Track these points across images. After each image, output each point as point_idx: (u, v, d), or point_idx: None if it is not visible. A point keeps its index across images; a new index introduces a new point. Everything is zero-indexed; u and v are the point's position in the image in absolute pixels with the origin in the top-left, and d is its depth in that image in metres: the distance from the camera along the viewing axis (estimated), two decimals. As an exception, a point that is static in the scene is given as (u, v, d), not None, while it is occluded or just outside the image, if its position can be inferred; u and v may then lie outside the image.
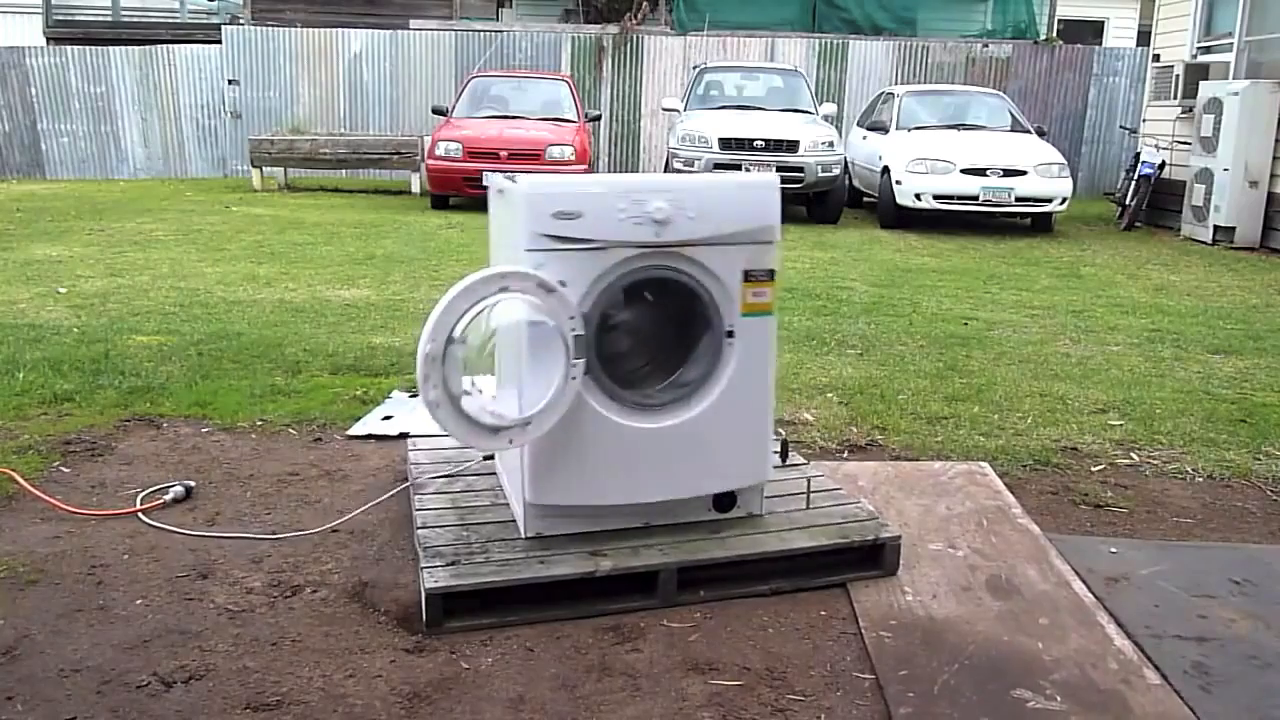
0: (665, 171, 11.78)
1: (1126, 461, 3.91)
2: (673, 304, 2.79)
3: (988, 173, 10.74)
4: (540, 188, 2.68)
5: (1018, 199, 10.81)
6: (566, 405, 2.60)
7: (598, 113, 14.33)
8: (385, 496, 3.28)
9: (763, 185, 2.82)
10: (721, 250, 2.73)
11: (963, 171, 10.77)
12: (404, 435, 3.81)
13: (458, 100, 12.85)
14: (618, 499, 2.79)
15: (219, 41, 15.68)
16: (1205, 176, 10.49)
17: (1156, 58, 12.53)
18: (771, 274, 2.80)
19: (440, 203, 11.96)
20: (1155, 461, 3.91)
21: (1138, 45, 17.50)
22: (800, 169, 11.05)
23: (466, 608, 2.56)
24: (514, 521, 2.84)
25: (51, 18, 17.40)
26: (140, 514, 3.17)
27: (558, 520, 2.78)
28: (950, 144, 11.16)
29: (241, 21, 16.80)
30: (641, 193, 2.68)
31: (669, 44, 15.93)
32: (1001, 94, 13.24)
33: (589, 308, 2.64)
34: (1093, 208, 13.41)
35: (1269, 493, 3.65)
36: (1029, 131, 11.87)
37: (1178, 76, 11.46)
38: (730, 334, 2.78)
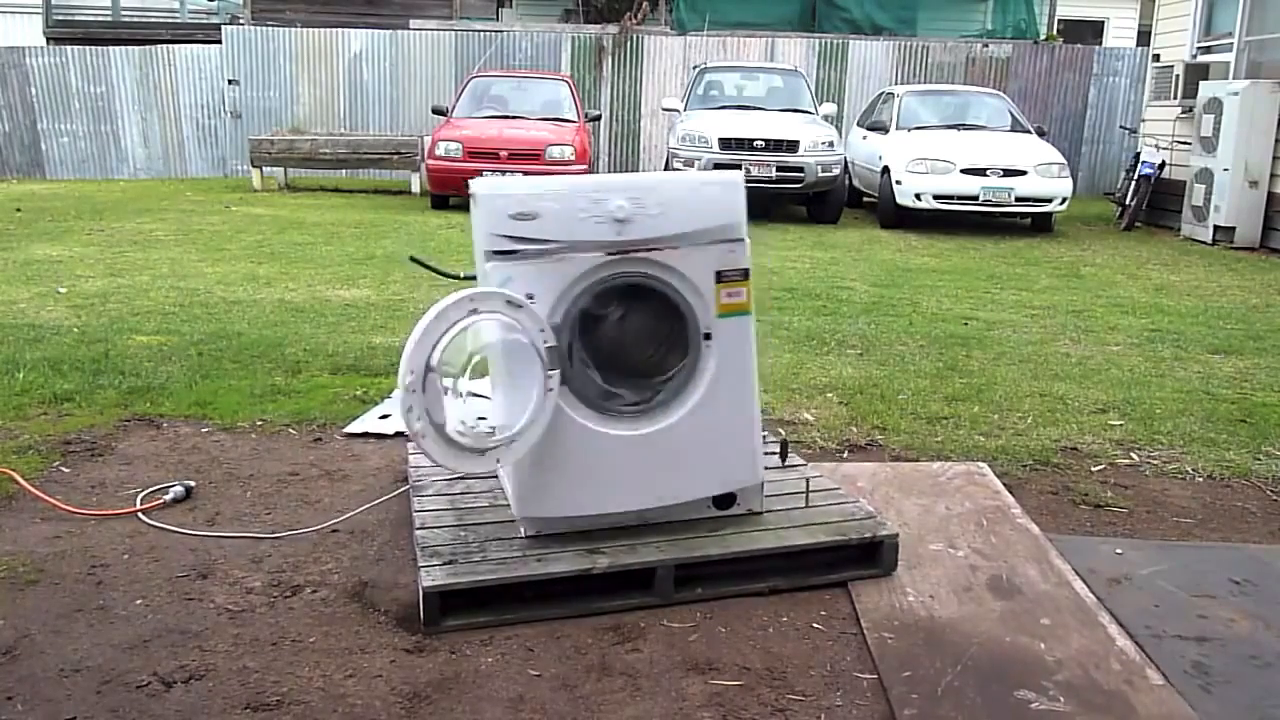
0: (666, 171, 11.78)
1: (1126, 461, 3.91)
2: (646, 310, 2.78)
3: (988, 173, 10.74)
4: (497, 189, 2.70)
5: (1018, 199, 10.81)
6: (548, 418, 2.61)
7: (598, 113, 14.32)
8: (385, 497, 3.28)
9: (726, 182, 2.81)
10: (690, 252, 2.72)
11: (963, 171, 10.76)
12: (400, 434, 3.80)
13: (458, 100, 12.84)
14: (605, 508, 2.79)
15: (219, 41, 15.67)
16: (1205, 176, 10.48)
17: (1156, 58, 12.52)
18: (746, 273, 2.79)
19: (440, 203, 11.96)
20: (1155, 461, 3.91)
21: (1138, 45, 17.49)
22: (800, 169, 11.05)
23: (464, 606, 2.56)
24: (513, 521, 2.84)
25: (51, 18, 17.39)
26: (140, 514, 3.17)
27: (555, 520, 2.78)
28: (950, 144, 11.16)
29: (241, 21, 16.80)
30: (601, 192, 2.68)
31: (669, 44, 15.92)
32: (1001, 94, 13.24)
33: (560, 319, 2.64)
34: (1093, 208, 13.40)
35: (1269, 493, 3.65)
36: (1029, 131, 11.87)
37: (1178, 76, 11.45)
38: (708, 336, 2.77)
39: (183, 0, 18.44)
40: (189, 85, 15.69)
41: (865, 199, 12.74)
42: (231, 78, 15.63)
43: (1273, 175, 10.02)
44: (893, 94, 12.77)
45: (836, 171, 11.33)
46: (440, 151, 11.43)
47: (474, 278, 2.78)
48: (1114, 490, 3.61)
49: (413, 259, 3.15)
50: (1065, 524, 3.31)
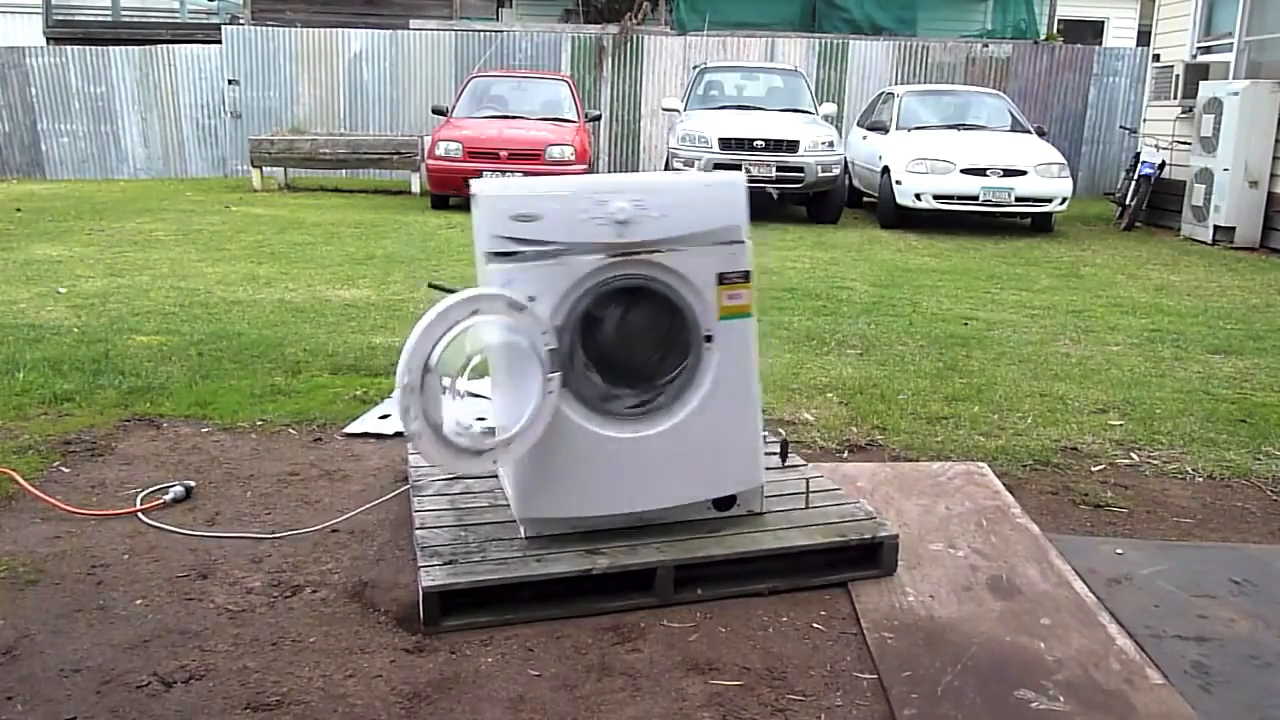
0: (666, 171, 11.77)
1: (1126, 461, 3.91)
2: (647, 312, 2.78)
3: (988, 173, 10.74)
4: (498, 190, 2.71)
5: (1018, 199, 10.81)
6: (547, 420, 2.61)
7: (598, 113, 14.32)
8: (385, 497, 3.28)
9: (727, 184, 2.81)
10: (691, 254, 2.72)
11: (963, 171, 10.76)
12: (400, 435, 3.80)
13: (458, 100, 12.84)
14: (605, 510, 2.79)
15: (219, 41, 15.66)
16: (1205, 176, 10.48)
17: (1156, 58, 12.52)
18: (747, 275, 2.79)
19: (440, 203, 11.96)
20: (1155, 461, 3.91)
21: (1138, 45, 17.49)
22: (800, 169, 11.05)
23: (464, 606, 2.56)
24: (513, 522, 2.84)
25: (51, 18, 17.38)
26: (140, 514, 3.17)
27: (555, 521, 2.78)
28: (950, 144, 11.16)
29: (241, 21, 16.80)
30: (602, 193, 2.68)
31: (669, 44, 15.92)
32: (1001, 94, 13.24)
33: (561, 321, 2.64)
34: (1093, 208, 13.40)
35: (1269, 493, 3.65)
36: (1029, 131, 11.87)
37: (1178, 76, 11.45)
38: (709, 338, 2.77)
39: (183, 0, 18.44)
40: (189, 85, 15.69)
41: (865, 199, 12.74)
42: (231, 78, 15.62)
43: (1273, 175, 10.02)
44: (893, 94, 12.77)
45: (836, 171, 11.33)
46: (440, 151, 11.43)
47: None
48: (1114, 490, 3.61)
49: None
50: (1065, 524, 3.31)
